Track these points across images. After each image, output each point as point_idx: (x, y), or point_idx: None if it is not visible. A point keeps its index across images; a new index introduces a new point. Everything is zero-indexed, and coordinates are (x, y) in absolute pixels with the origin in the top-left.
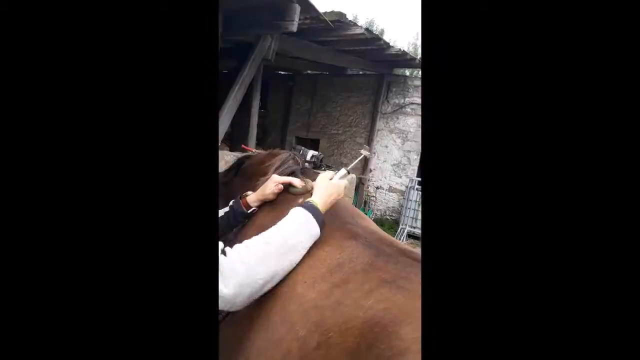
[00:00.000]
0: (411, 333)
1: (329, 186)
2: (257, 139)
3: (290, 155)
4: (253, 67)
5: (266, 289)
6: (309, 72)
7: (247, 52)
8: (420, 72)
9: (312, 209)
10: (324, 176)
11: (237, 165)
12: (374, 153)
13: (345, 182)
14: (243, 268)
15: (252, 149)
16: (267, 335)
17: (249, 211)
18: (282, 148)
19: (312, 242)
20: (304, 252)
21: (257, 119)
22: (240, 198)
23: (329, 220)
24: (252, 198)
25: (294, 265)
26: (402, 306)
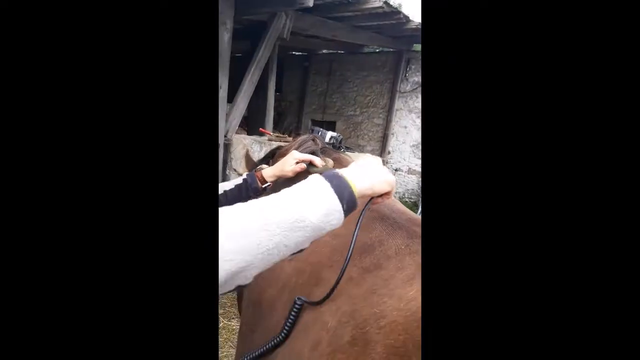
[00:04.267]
0: None
1: (376, 171)
2: (273, 123)
3: (310, 136)
4: (268, 48)
5: (244, 277)
6: (324, 51)
7: (260, 32)
8: None
9: (335, 179)
10: (372, 160)
11: (271, 156)
12: (393, 134)
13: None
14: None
15: (270, 132)
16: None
17: (263, 186)
18: (298, 131)
19: (330, 225)
20: (311, 234)
21: (273, 101)
22: (255, 171)
23: None
24: (269, 172)
25: (289, 253)
26: None
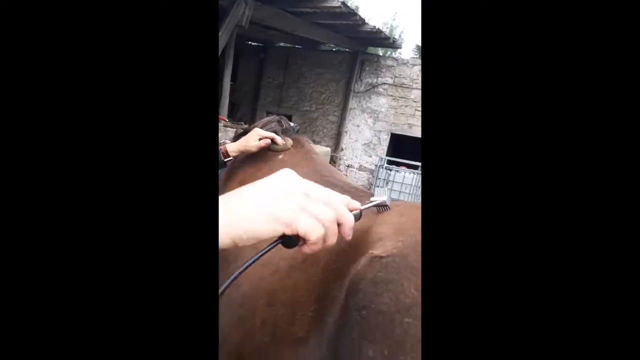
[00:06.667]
0: (387, 229)
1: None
2: (227, 112)
3: (276, 117)
4: (226, 34)
5: None
6: (281, 44)
7: (219, 17)
8: (393, 53)
9: None
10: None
11: (242, 135)
12: (346, 132)
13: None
14: None
15: (225, 118)
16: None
17: (225, 160)
18: (253, 122)
19: None
20: None
21: (229, 88)
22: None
23: (309, 174)
24: (232, 147)
25: None
26: (378, 217)
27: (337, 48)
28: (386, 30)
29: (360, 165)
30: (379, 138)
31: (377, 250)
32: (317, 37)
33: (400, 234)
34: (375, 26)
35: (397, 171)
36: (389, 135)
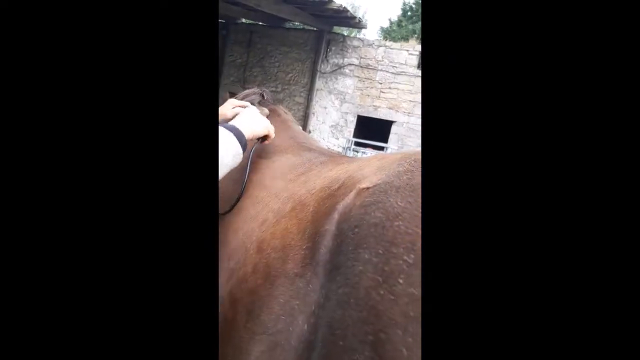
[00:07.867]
0: (369, 170)
1: (256, 119)
2: None
3: (257, 90)
4: None
5: None
6: (243, 20)
7: None
8: (358, 33)
9: (234, 130)
10: (253, 110)
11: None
12: (314, 114)
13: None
14: None
15: None
16: (242, 215)
17: None
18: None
19: (235, 162)
20: (226, 170)
21: None
22: None
23: (286, 140)
24: None
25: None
26: (360, 166)
27: (303, 26)
28: (351, 10)
29: (328, 148)
30: (346, 120)
31: (363, 184)
32: (283, 14)
33: (383, 170)
34: (341, 5)
35: (364, 152)
36: (356, 117)
